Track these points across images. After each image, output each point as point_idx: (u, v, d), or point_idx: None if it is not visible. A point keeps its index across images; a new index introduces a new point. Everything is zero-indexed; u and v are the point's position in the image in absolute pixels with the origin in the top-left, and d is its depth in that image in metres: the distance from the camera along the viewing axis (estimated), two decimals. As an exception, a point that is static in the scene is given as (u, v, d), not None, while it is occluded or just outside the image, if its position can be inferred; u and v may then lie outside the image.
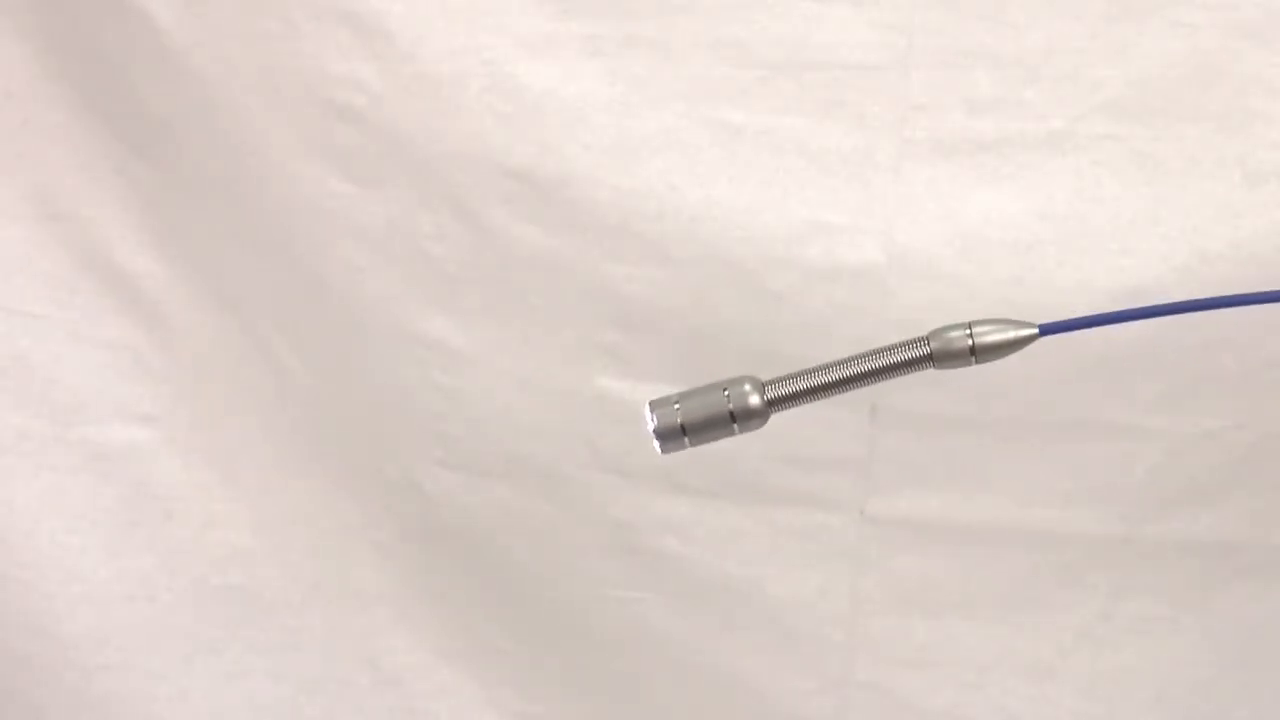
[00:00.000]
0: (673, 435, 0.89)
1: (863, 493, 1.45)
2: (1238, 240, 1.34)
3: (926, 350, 0.87)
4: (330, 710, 1.54)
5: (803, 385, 0.88)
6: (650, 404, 0.89)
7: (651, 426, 0.88)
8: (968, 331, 0.86)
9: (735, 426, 0.89)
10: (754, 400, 0.88)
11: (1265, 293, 0.95)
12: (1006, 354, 0.87)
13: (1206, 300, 0.91)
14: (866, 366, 0.87)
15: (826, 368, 0.87)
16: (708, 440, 0.89)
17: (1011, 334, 0.87)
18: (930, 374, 1.40)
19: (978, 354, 0.87)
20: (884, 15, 1.35)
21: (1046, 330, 0.87)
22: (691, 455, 1.43)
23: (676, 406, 0.89)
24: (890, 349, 0.87)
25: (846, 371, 0.87)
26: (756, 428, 0.89)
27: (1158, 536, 1.43)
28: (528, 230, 1.42)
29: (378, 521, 1.52)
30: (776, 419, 1.40)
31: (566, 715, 1.54)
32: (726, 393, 0.88)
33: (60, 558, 1.50)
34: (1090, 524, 1.43)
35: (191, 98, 1.43)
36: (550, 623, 1.51)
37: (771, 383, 0.88)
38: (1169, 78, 1.34)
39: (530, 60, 1.39)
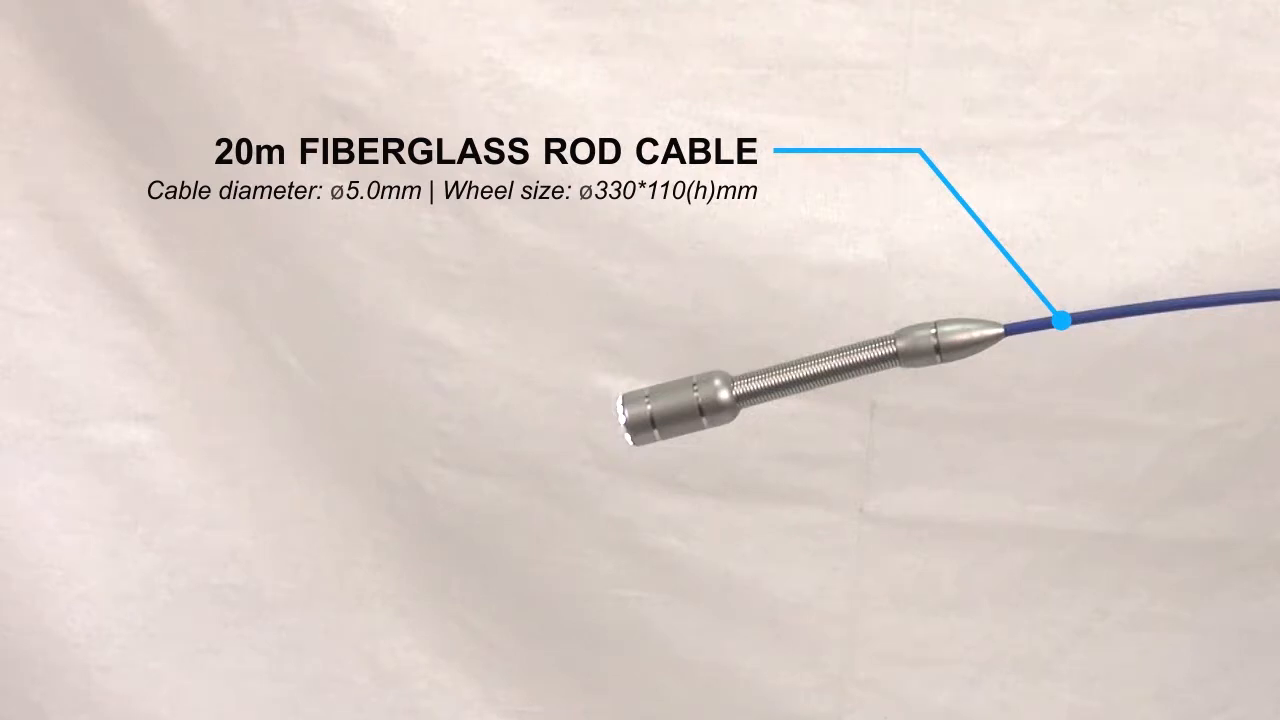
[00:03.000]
0: (643, 428, 0.91)
1: (862, 491, 1.45)
2: (1236, 238, 1.34)
3: (893, 349, 0.88)
4: (330, 710, 1.54)
5: (771, 382, 0.90)
6: (622, 397, 0.91)
7: (622, 419, 0.90)
8: (933, 330, 0.87)
9: (704, 420, 0.91)
10: (723, 395, 0.90)
11: (1253, 291, 0.96)
12: (972, 353, 0.88)
13: (1181, 300, 0.92)
14: (834, 364, 0.89)
15: (795, 365, 0.89)
16: (678, 433, 0.92)
17: (977, 333, 0.88)
18: (929, 371, 1.40)
19: (943, 352, 0.88)
20: (883, 14, 1.35)
21: (1012, 330, 0.88)
22: (691, 454, 1.45)
23: (647, 400, 0.90)
24: (857, 347, 0.88)
25: (814, 369, 0.89)
26: (726, 421, 0.91)
27: (1156, 534, 1.43)
28: (527, 229, 1.42)
29: (378, 521, 1.52)
30: (777, 417, 1.41)
31: (566, 714, 1.54)
32: (696, 387, 0.90)
33: (60, 558, 1.50)
34: (1089, 521, 1.43)
35: (191, 98, 1.43)
36: (550, 622, 1.52)
37: (741, 378, 0.90)
38: (1167, 76, 1.34)
39: (530, 59, 1.39)
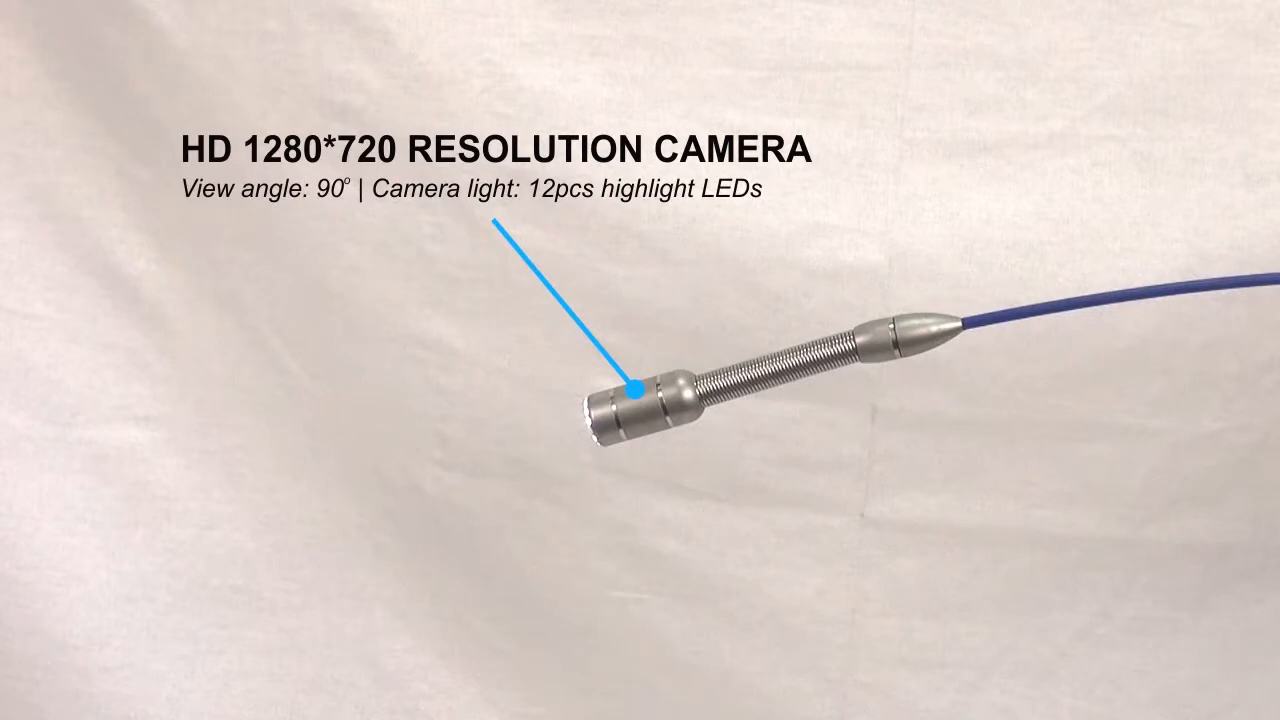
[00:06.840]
0: (609, 428, 0.91)
1: (863, 494, 1.45)
2: (1238, 241, 1.34)
3: (852, 345, 0.88)
4: (330, 710, 1.54)
5: (734, 379, 0.90)
6: (588, 398, 0.91)
7: (588, 420, 0.90)
8: (891, 325, 0.87)
9: (668, 419, 0.91)
10: (687, 394, 0.90)
11: (1229, 278, 0.95)
12: (930, 347, 0.88)
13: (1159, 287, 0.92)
14: (795, 360, 0.89)
15: (756, 362, 0.89)
16: (643, 433, 0.92)
17: (934, 327, 0.88)
18: (931, 375, 1.40)
19: (901, 347, 0.88)
20: (884, 15, 1.35)
21: (970, 323, 0.88)
22: (692, 457, 1.45)
23: (612, 400, 0.90)
24: (817, 343, 0.89)
25: (776, 366, 0.89)
26: (690, 420, 0.91)
27: (1158, 538, 1.42)
28: (527, 231, 1.42)
29: (377, 521, 1.52)
30: (778, 421, 1.41)
31: (566, 715, 1.54)
32: (660, 387, 0.90)
33: (60, 558, 1.50)
34: (1090, 525, 1.43)
35: (191, 98, 1.43)
36: (550, 623, 1.51)
37: (703, 377, 0.90)
38: (1169, 78, 1.34)
39: (530, 60, 1.39)
